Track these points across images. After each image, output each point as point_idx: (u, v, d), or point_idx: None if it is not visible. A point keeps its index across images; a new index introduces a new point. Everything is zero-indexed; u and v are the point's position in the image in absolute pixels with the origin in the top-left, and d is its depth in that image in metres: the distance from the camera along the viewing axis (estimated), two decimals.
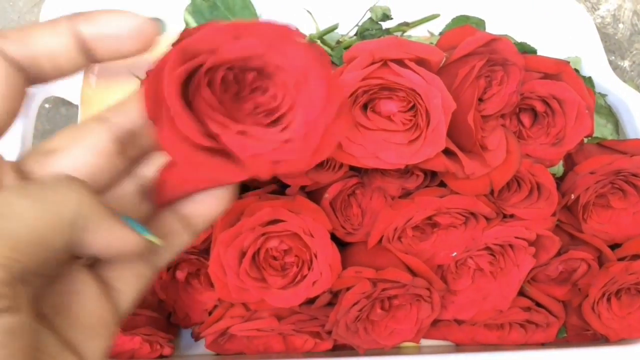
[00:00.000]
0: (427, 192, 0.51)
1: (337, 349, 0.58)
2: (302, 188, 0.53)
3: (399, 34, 0.72)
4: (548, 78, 0.52)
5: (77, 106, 0.67)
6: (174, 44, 0.25)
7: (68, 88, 0.67)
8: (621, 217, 0.56)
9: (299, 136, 0.25)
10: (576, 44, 0.73)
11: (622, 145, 0.57)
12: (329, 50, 0.65)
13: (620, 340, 0.58)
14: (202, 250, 0.54)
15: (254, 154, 0.25)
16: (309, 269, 0.50)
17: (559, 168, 0.57)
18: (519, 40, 0.71)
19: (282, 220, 0.49)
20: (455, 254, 0.53)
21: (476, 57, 0.49)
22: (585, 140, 0.58)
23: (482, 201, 0.51)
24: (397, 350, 0.59)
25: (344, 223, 0.53)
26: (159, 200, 0.27)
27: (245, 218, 0.49)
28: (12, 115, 0.25)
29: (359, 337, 0.53)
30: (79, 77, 0.68)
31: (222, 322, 0.54)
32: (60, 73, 0.26)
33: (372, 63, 0.47)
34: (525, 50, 0.68)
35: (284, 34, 0.25)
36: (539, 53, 0.69)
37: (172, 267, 0.57)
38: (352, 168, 0.51)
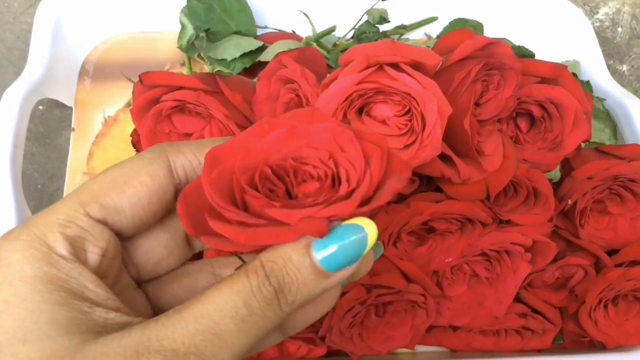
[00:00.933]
0: (423, 197, 0.51)
1: (331, 355, 0.57)
2: None
3: (396, 36, 0.71)
4: (545, 82, 0.52)
5: (71, 108, 0.67)
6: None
7: (62, 90, 0.66)
8: (619, 223, 0.56)
9: (349, 194, 0.25)
10: (574, 47, 0.72)
11: (620, 151, 0.56)
12: (325, 53, 0.65)
13: (617, 347, 0.57)
14: None
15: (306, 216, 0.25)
16: None
17: (556, 173, 0.57)
18: (517, 43, 0.70)
19: None
20: (450, 259, 0.52)
21: (473, 61, 0.48)
22: (583, 145, 0.58)
23: (478, 207, 0.51)
24: (392, 356, 0.59)
25: None
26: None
27: None
28: (147, 225, 0.28)
29: (354, 344, 0.53)
30: (73, 79, 0.68)
31: None
32: None
33: (368, 67, 0.46)
34: (523, 54, 0.67)
35: (305, 116, 0.27)
36: (537, 57, 0.69)
37: None
38: None
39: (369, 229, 0.25)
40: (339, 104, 0.45)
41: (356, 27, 0.69)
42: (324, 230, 0.24)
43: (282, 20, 0.70)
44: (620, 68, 0.81)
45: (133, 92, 0.50)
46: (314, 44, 0.65)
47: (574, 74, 0.69)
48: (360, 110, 0.48)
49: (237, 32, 0.67)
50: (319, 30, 0.68)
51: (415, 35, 0.74)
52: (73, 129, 0.66)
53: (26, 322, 0.22)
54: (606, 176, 0.54)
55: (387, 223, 0.51)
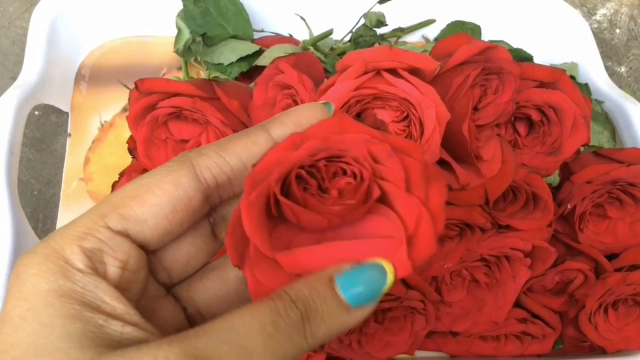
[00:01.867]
0: None
1: None
2: None
3: (393, 39, 0.71)
4: (544, 86, 0.52)
5: (67, 113, 0.67)
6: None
7: (58, 95, 0.66)
8: (618, 227, 0.55)
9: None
10: (572, 49, 0.72)
11: (619, 154, 0.56)
12: (322, 57, 0.64)
13: (618, 352, 0.57)
14: None
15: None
16: None
17: (555, 177, 0.57)
18: (514, 45, 0.70)
19: None
20: (448, 265, 0.52)
21: (471, 65, 0.48)
22: (582, 148, 0.57)
23: (477, 212, 0.50)
24: None
25: None
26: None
27: None
28: (174, 235, 0.28)
29: (353, 350, 0.53)
30: (69, 85, 0.68)
31: None
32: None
33: (365, 72, 0.46)
34: (521, 56, 0.67)
35: (334, 126, 0.26)
36: (535, 58, 0.69)
37: None
38: None
39: (388, 267, 0.25)
40: (336, 110, 0.45)
41: (353, 30, 0.68)
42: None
43: (279, 23, 0.70)
44: (619, 69, 0.80)
45: (129, 99, 0.50)
46: (311, 48, 0.65)
47: (572, 76, 0.69)
48: (358, 116, 0.47)
49: (234, 36, 0.67)
50: (316, 33, 0.68)
51: (413, 38, 0.74)
52: (69, 135, 0.66)
53: (39, 337, 0.22)
54: (605, 180, 0.53)
55: None
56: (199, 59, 0.66)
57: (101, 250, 0.25)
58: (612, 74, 0.79)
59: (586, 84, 0.68)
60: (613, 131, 0.67)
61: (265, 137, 0.28)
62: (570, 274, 0.55)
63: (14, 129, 0.57)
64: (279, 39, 0.68)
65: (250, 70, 0.64)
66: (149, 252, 0.28)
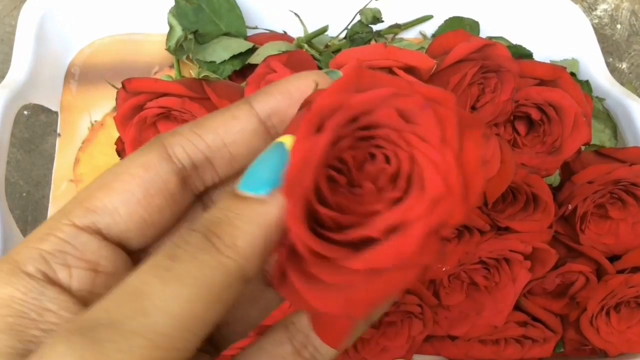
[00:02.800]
0: None
1: None
2: None
3: (390, 36, 0.70)
4: (544, 84, 0.50)
5: (56, 113, 0.65)
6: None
7: (47, 95, 0.65)
8: (620, 228, 0.54)
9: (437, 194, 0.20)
10: (573, 45, 0.71)
11: (621, 154, 0.55)
12: (317, 54, 0.63)
13: (620, 355, 0.56)
14: None
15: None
16: None
17: (555, 177, 0.55)
18: (514, 42, 0.69)
19: None
20: (446, 267, 0.51)
21: (469, 63, 0.47)
22: (583, 148, 0.56)
23: (475, 214, 0.49)
24: None
25: None
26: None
27: None
28: (156, 226, 0.24)
29: (349, 356, 0.51)
30: (58, 84, 0.66)
31: None
32: (232, 168, 0.25)
33: None
34: (521, 53, 0.66)
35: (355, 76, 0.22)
36: (534, 55, 0.68)
37: None
38: None
39: (287, 141, 0.22)
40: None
41: (349, 27, 0.67)
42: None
43: (273, 20, 0.69)
44: (620, 66, 0.79)
45: (116, 99, 0.48)
46: (306, 45, 0.63)
47: (573, 73, 0.68)
48: None
49: (227, 34, 0.66)
50: (310, 30, 0.67)
51: (410, 35, 0.73)
52: (59, 135, 0.64)
53: None
54: (607, 180, 0.52)
55: None
56: (191, 56, 0.64)
57: (63, 251, 0.22)
58: (613, 70, 0.78)
59: (587, 81, 0.67)
60: (615, 129, 0.65)
61: (248, 111, 0.25)
62: (572, 276, 0.54)
63: (1, 129, 0.55)
64: (273, 36, 0.67)
65: (243, 69, 0.63)
66: (133, 251, 0.24)
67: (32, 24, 0.63)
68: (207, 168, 0.25)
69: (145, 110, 0.47)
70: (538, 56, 0.68)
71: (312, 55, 0.62)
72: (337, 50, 0.64)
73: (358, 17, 0.66)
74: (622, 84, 0.70)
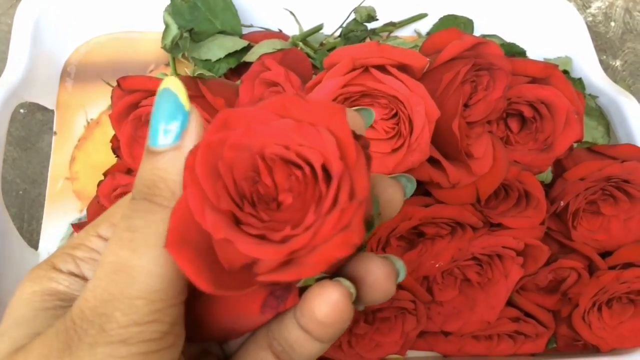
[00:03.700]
0: (412, 201, 0.50)
1: None
2: None
3: (385, 34, 0.70)
4: (536, 82, 0.51)
5: (52, 111, 0.66)
6: None
7: (43, 93, 0.65)
8: (612, 224, 0.54)
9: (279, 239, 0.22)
10: (566, 43, 0.71)
11: (612, 151, 0.55)
12: (311, 52, 0.63)
13: (612, 351, 0.56)
14: None
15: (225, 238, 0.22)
16: None
17: (547, 174, 0.56)
18: (507, 39, 0.69)
19: None
20: (439, 264, 0.51)
21: (461, 61, 0.47)
22: (575, 145, 0.56)
23: (468, 210, 0.50)
24: None
25: None
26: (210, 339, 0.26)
27: None
28: None
29: (342, 351, 0.52)
30: (54, 82, 0.66)
31: None
32: None
33: (353, 69, 0.45)
34: (514, 51, 0.66)
35: (331, 112, 0.23)
36: (528, 53, 0.68)
37: None
38: None
39: (171, 84, 0.24)
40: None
41: (344, 25, 0.67)
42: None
43: (268, 18, 0.69)
44: (614, 63, 0.79)
45: (112, 97, 0.49)
46: (301, 43, 0.64)
47: (566, 71, 0.68)
48: None
49: (222, 32, 0.66)
50: (305, 28, 0.67)
51: (405, 33, 0.73)
52: (55, 133, 0.65)
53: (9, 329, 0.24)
54: (599, 177, 0.53)
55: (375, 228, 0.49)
56: (186, 54, 0.65)
57: (93, 258, 0.26)
58: (606, 67, 0.78)
59: (580, 79, 0.67)
60: (607, 126, 0.66)
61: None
62: (564, 272, 0.55)
63: None
64: (268, 34, 0.67)
65: (238, 67, 0.63)
66: None
67: (28, 22, 0.63)
68: None
69: (140, 108, 0.47)
70: (532, 54, 0.69)
71: (307, 54, 0.62)
72: (332, 49, 0.65)
73: (353, 16, 0.67)
74: (615, 81, 0.70)
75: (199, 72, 0.56)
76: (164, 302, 0.22)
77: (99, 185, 0.54)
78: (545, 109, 0.50)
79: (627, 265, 0.54)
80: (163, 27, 0.64)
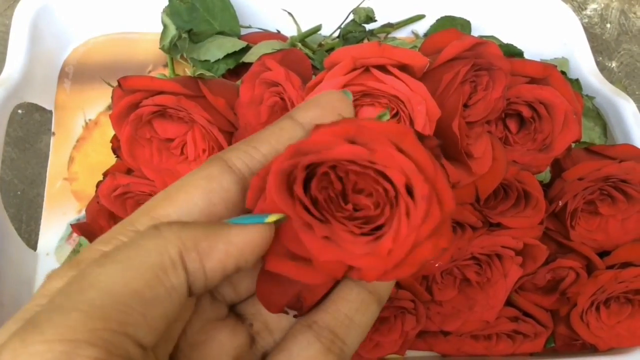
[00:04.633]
0: None
1: None
2: None
3: (383, 35, 0.70)
4: (535, 82, 0.51)
5: (51, 112, 0.66)
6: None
7: (41, 93, 0.65)
8: (610, 224, 0.55)
9: (385, 251, 0.24)
10: (563, 44, 0.72)
11: (610, 151, 0.55)
12: (310, 53, 0.63)
13: (610, 350, 0.57)
14: None
15: (332, 260, 0.24)
16: None
17: (546, 174, 0.56)
18: (504, 41, 0.70)
19: None
20: (439, 264, 0.51)
21: (461, 61, 0.47)
22: (573, 145, 0.57)
23: (467, 210, 0.50)
24: None
25: None
26: (308, 306, 0.27)
27: None
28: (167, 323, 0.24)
29: None
30: (52, 83, 0.66)
31: None
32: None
33: (354, 69, 0.45)
34: (512, 52, 0.66)
35: (401, 134, 0.24)
36: (525, 54, 0.68)
37: None
38: None
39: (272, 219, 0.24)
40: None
41: (342, 26, 0.67)
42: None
43: (266, 19, 0.69)
44: (609, 65, 0.80)
45: (112, 97, 0.49)
46: (299, 44, 0.64)
47: (563, 72, 0.69)
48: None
49: (221, 33, 0.66)
50: (304, 29, 0.67)
51: (402, 34, 0.73)
52: (53, 133, 0.64)
53: None
54: (597, 177, 0.53)
55: None
56: (185, 55, 0.65)
57: None
58: (602, 69, 0.79)
59: (577, 80, 0.67)
60: (604, 127, 0.66)
61: (291, 123, 0.27)
62: (562, 271, 0.55)
63: None
64: (266, 35, 0.67)
65: (237, 67, 0.63)
66: None
67: (26, 23, 0.63)
68: None
69: (141, 108, 0.47)
70: (528, 55, 0.69)
71: (306, 54, 0.62)
72: (331, 49, 0.65)
73: (351, 17, 0.67)
74: (611, 82, 0.71)
75: (199, 72, 0.56)
76: (102, 323, 0.21)
77: (97, 185, 0.54)
78: (544, 109, 0.50)
79: (625, 265, 0.54)
80: (161, 27, 0.64)
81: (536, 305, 0.56)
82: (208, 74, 0.59)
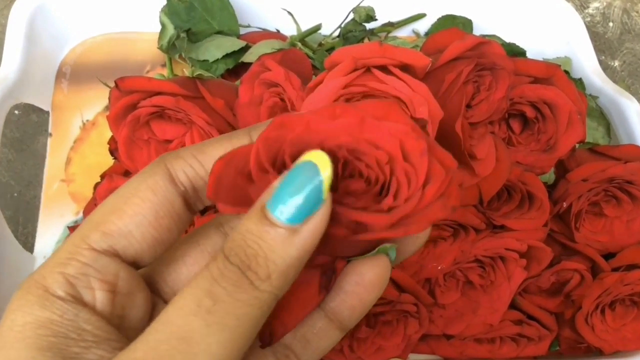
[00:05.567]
0: None
1: None
2: None
3: (383, 34, 0.70)
4: (538, 82, 0.50)
5: (48, 113, 0.65)
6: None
7: (38, 94, 0.64)
8: (615, 226, 0.54)
9: (385, 207, 0.24)
10: (565, 44, 0.71)
11: (615, 151, 0.55)
12: (310, 52, 0.63)
13: (615, 353, 0.56)
14: None
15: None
16: None
17: (550, 175, 0.55)
18: (506, 40, 0.69)
19: None
20: (441, 267, 0.50)
21: (463, 61, 0.47)
22: (577, 145, 0.56)
23: (471, 212, 0.49)
24: None
25: None
26: (277, 339, 0.27)
27: None
28: (165, 244, 0.26)
29: (344, 355, 0.51)
30: (49, 83, 0.66)
31: None
32: None
33: (355, 69, 0.44)
34: (514, 51, 0.66)
35: (386, 107, 0.24)
36: (527, 53, 0.68)
37: None
38: None
39: (319, 160, 0.22)
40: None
41: (342, 25, 0.67)
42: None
43: (266, 19, 0.68)
44: (612, 64, 0.79)
45: (109, 98, 0.48)
46: (299, 44, 0.63)
47: (566, 71, 0.68)
48: None
49: (220, 32, 0.65)
50: (304, 29, 0.66)
51: (403, 33, 0.72)
52: (50, 134, 0.64)
53: None
54: (602, 178, 0.52)
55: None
56: (183, 55, 0.64)
57: (86, 274, 0.24)
58: (605, 68, 0.78)
59: (580, 79, 0.67)
60: (608, 127, 0.65)
61: (247, 140, 0.26)
62: (567, 274, 0.54)
63: None
64: (266, 34, 0.67)
65: (236, 67, 0.63)
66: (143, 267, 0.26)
67: (22, 23, 0.62)
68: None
69: (138, 109, 0.46)
70: (531, 54, 0.68)
71: (306, 54, 0.61)
72: (331, 49, 0.64)
73: (351, 15, 0.66)
74: (614, 81, 0.70)
75: (198, 72, 0.55)
76: None
77: (95, 187, 0.53)
78: (548, 110, 0.50)
79: (631, 267, 0.54)
80: (159, 27, 0.63)
81: (540, 308, 0.55)
82: (207, 74, 0.59)
